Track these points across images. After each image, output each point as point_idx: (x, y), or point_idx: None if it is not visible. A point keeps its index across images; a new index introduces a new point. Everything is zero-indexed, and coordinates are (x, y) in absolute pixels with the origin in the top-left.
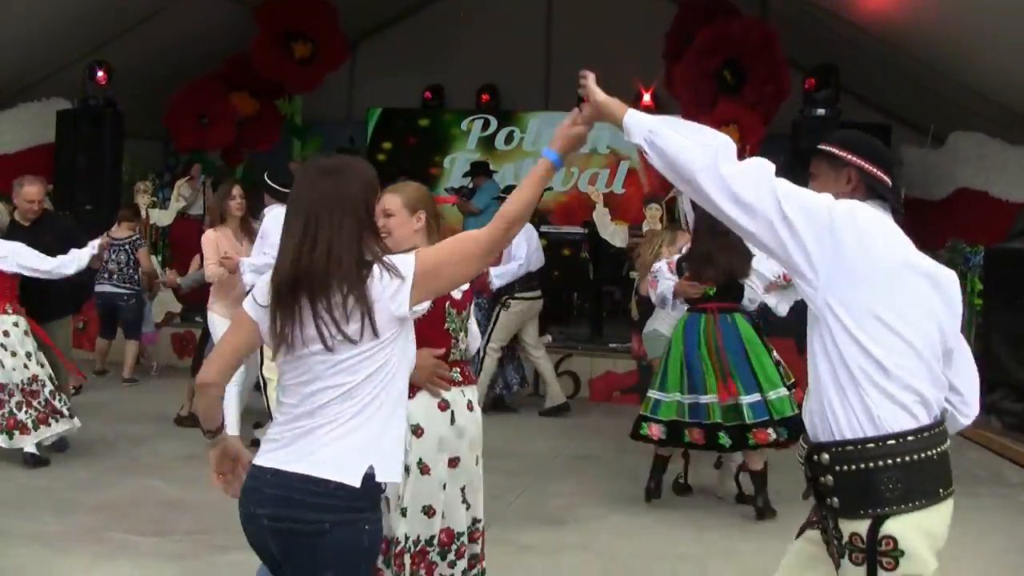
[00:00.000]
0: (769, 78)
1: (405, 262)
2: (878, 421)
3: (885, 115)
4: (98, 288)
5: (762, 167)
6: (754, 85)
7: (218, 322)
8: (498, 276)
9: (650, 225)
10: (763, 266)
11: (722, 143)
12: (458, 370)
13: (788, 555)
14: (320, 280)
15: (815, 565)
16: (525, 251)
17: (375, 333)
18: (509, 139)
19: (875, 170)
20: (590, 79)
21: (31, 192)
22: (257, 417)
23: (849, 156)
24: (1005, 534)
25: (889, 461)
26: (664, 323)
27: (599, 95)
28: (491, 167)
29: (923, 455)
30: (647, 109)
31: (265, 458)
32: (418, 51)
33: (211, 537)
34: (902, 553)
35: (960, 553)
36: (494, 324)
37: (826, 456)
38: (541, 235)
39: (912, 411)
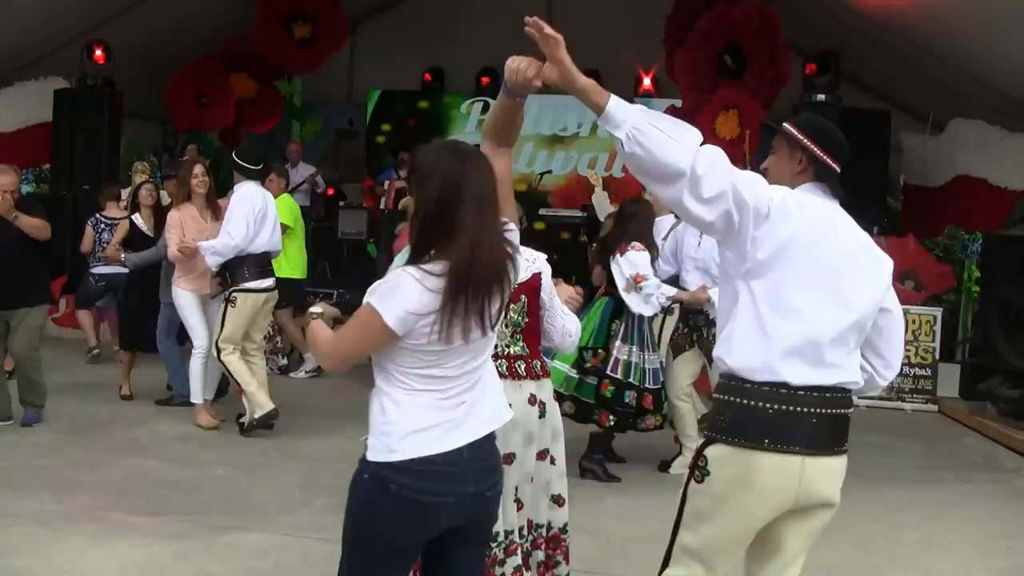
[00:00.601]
0: (770, 63)
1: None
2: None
3: (885, 101)
4: (98, 270)
5: (725, 161)
6: (754, 70)
7: (183, 296)
8: None
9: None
10: (618, 269)
11: (697, 141)
12: (506, 363)
13: None
14: (498, 270)
15: None
16: None
17: None
18: None
19: (825, 157)
20: (559, 47)
21: (4, 182)
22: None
23: (805, 140)
24: (1000, 519)
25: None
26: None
27: (571, 67)
28: None
29: (759, 404)
30: (646, 93)
31: (446, 441)
32: (418, 33)
33: (208, 517)
34: (708, 473)
35: (955, 537)
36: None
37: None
38: (540, 218)
39: (775, 369)
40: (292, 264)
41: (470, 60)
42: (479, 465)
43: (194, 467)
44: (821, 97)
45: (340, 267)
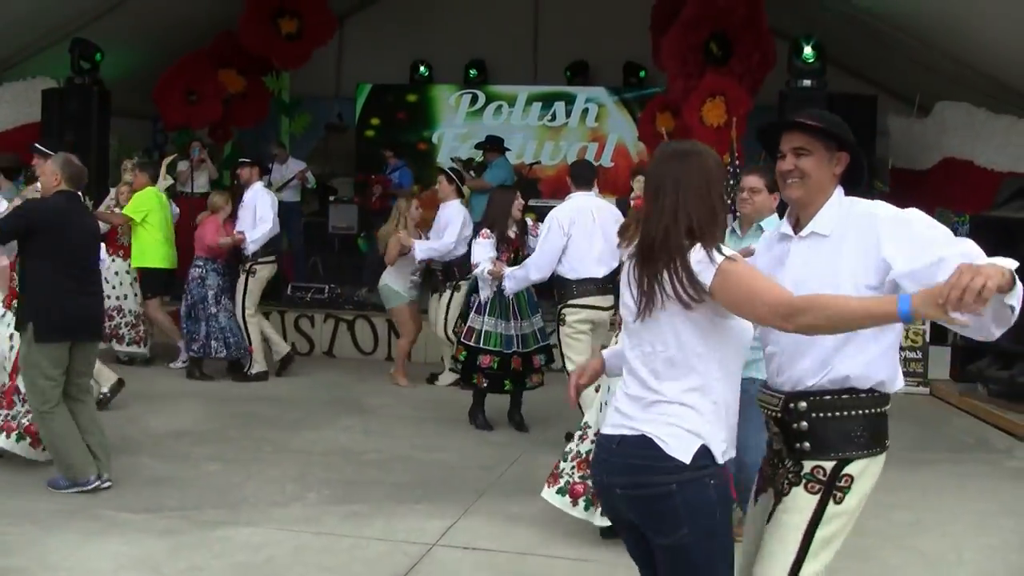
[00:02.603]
0: (755, 48)
1: (715, 258)
2: None
3: (871, 85)
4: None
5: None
6: (740, 56)
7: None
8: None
9: (637, 194)
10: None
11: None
12: None
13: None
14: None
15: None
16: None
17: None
18: (497, 113)
19: (858, 159)
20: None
21: None
22: None
23: (851, 137)
24: (991, 499)
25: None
26: (393, 278)
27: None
28: (505, 143)
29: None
30: (632, 84)
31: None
32: (406, 26)
33: (200, 513)
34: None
35: (946, 518)
36: (244, 291)
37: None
38: (530, 209)
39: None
40: (153, 255)
41: (458, 52)
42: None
43: (187, 463)
44: (807, 82)
45: (331, 262)
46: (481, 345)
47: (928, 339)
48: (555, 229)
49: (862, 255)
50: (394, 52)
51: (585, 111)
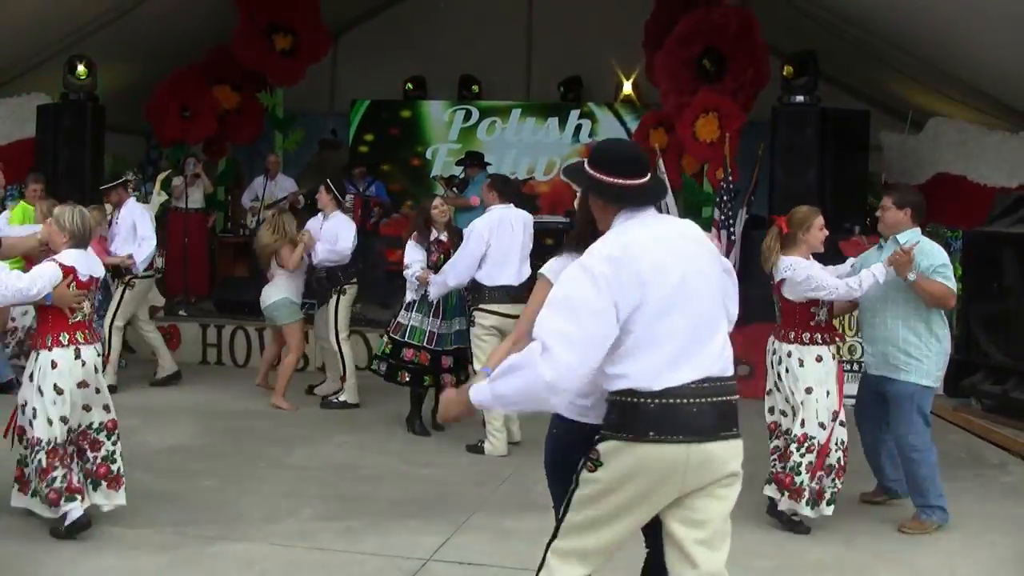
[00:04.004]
0: (748, 64)
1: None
2: None
3: (864, 101)
4: None
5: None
6: (734, 72)
7: None
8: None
9: None
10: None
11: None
12: None
13: None
14: None
15: None
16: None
17: None
18: (491, 129)
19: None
20: None
21: None
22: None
23: (593, 174)
24: (984, 514)
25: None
26: (290, 290)
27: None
28: (486, 159)
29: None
30: (627, 99)
31: None
32: (399, 42)
33: (197, 528)
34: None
35: (939, 533)
36: (119, 302)
37: None
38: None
39: None
40: None
41: (451, 68)
42: None
43: (182, 478)
44: (800, 98)
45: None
46: (405, 339)
47: None
48: (475, 238)
49: None
50: (387, 68)
51: (579, 127)
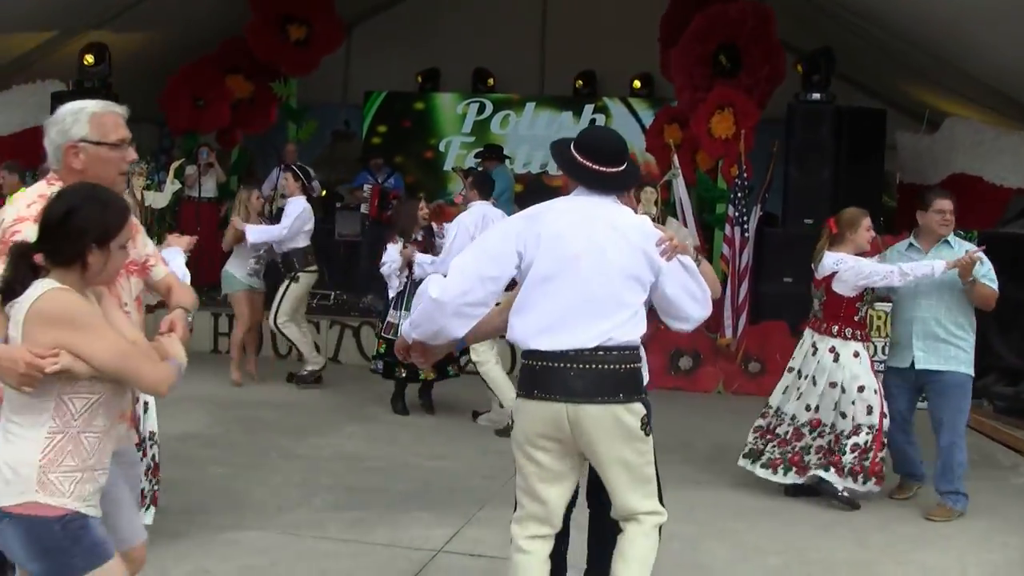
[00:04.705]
0: (765, 61)
1: None
2: None
3: (880, 100)
4: None
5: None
6: (749, 69)
7: None
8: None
9: (645, 209)
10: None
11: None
12: None
13: None
14: None
15: None
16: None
17: None
18: (504, 123)
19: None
20: None
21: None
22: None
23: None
24: (995, 515)
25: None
26: (233, 264)
27: None
28: (504, 152)
29: None
30: (639, 94)
31: None
32: (414, 34)
33: (207, 516)
34: None
35: (949, 532)
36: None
37: None
38: None
39: None
40: None
41: (465, 61)
42: None
43: (193, 466)
44: (816, 96)
45: (337, 269)
46: (398, 337)
47: None
48: (462, 232)
49: None
50: (401, 60)
51: (592, 121)
